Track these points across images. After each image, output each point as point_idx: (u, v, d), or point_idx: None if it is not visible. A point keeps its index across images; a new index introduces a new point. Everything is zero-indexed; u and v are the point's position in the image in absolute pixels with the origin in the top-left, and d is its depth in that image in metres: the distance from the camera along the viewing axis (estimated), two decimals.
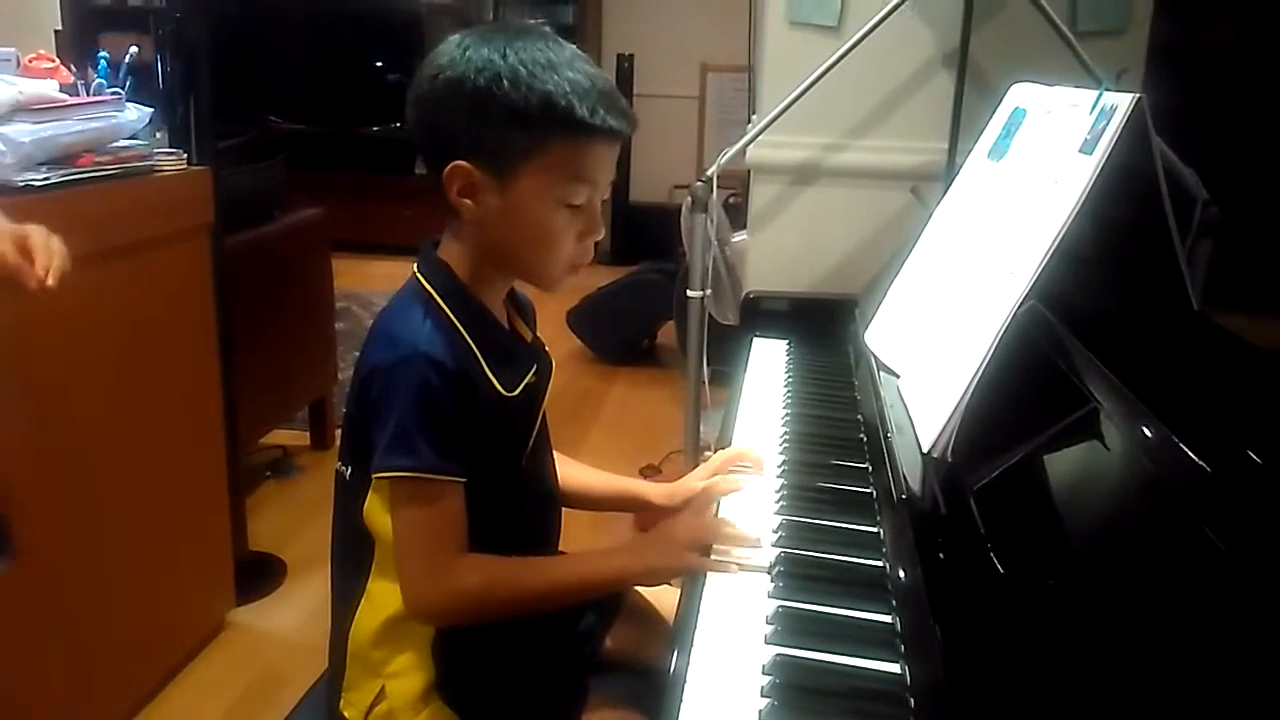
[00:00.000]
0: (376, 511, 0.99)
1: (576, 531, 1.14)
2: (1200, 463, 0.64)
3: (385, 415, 0.94)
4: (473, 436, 0.96)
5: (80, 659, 1.70)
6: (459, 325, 0.98)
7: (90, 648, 1.72)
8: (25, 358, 1.55)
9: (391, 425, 0.93)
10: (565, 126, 0.93)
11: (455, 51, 0.95)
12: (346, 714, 1.04)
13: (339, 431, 1.50)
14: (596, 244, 1.04)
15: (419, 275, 1.02)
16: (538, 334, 1.12)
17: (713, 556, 0.97)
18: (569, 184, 0.96)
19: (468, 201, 0.97)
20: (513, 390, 1.01)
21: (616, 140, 0.98)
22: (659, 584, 1.01)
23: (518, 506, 1.06)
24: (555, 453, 1.16)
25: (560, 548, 1.16)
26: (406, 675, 1.01)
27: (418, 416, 0.93)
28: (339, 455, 1.06)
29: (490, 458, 1.00)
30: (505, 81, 0.92)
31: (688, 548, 0.98)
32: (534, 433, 1.08)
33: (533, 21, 1.24)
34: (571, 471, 1.20)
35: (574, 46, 0.98)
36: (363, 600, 1.03)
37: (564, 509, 1.17)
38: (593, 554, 1.06)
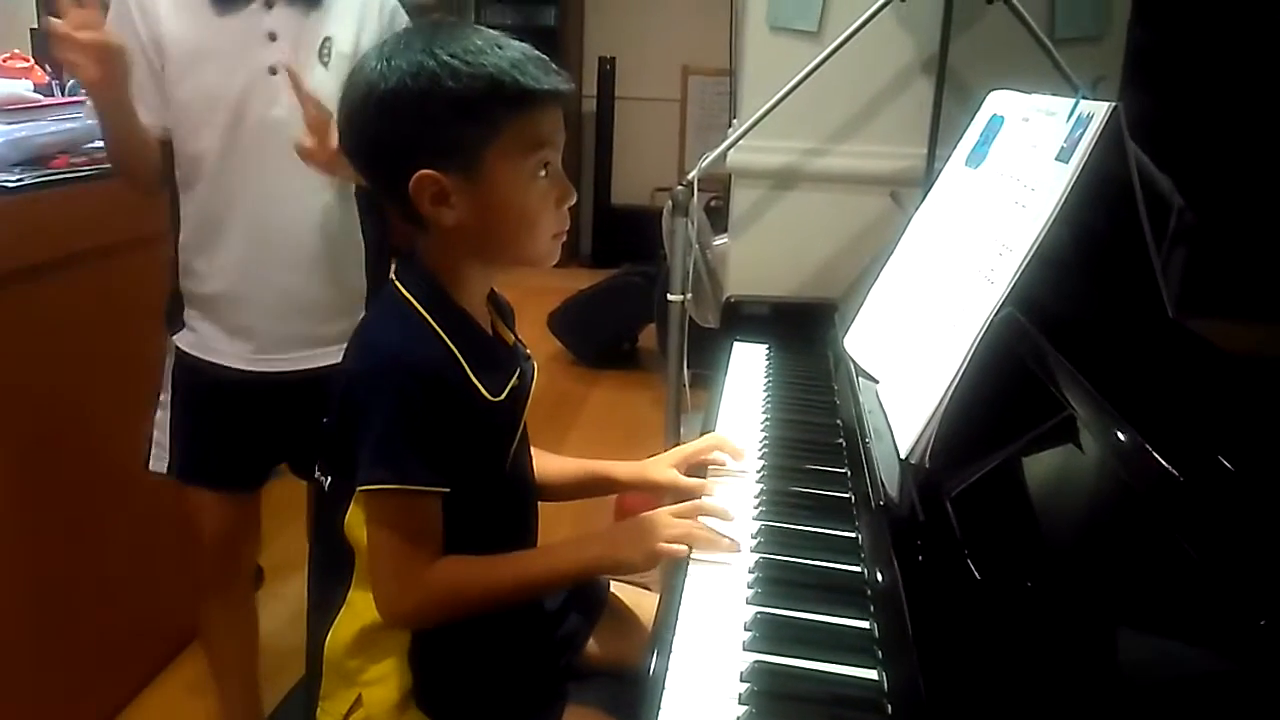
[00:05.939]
0: (358, 523, 0.99)
1: (555, 524, 1.14)
2: (1171, 470, 0.65)
3: (367, 425, 0.93)
4: (456, 443, 0.96)
5: (54, 664, 1.68)
6: (441, 332, 0.97)
7: (64, 652, 1.70)
8: None
9: (373, 436, 0.92)
10: (515, 102, 0.92)
11: (379, 65, 0.93)
12: None
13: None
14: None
15: (397, 283, 1.01)
16: (519, 336, 1.12)
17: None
18: (533, 155, 0.95)
19: (444, 209, 0.95)
20: (498, 395, 1.00)
21: (560, 100, 0.97)
22: (631, 574, 1.00)
23: (500, 508, 1.06)
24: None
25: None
26: (383, 683, 1.01)
27: (399, 426, 0.92)
28: (318, 465, 1.05)
29: (474, 463, 0.99)
30: (444, 78, 0.91)
31: (663, 541, 0.97)
32: (518, 436, 1.07)
33: (450, 17, 1.24)
34: (541, 463, 1.18)
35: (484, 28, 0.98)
36: (343, 609, 1.02)
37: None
38: (565, 544, 1.05)
